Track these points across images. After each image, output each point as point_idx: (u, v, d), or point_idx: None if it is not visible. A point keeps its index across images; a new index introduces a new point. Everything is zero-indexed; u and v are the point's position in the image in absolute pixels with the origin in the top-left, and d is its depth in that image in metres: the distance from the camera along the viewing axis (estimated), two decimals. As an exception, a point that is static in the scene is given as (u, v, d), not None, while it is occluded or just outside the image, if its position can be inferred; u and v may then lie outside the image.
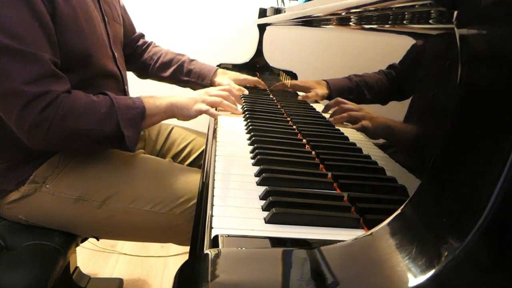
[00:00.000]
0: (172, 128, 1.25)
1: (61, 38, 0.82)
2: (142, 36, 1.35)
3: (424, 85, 0.54)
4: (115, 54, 1.03)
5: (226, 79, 1.30)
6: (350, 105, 0.84)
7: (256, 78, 1.36)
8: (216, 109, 1.03)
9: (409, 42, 0.61)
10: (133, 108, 0.89)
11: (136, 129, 0.89)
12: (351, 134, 0.77)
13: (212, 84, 1.31)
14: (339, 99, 0.91)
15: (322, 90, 0.88)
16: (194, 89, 1.34)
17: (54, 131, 0.80)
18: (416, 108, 0.55)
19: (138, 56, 1.32)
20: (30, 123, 0.78)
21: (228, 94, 1.01)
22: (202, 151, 1.20)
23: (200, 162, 1.18)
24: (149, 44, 1.35)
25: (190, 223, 0.87)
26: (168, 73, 1.32)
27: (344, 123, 0.82)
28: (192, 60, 1.33)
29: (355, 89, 0.72)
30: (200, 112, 0.96)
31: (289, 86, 1.21)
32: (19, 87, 0.76)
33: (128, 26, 1.27)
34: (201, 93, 0.99)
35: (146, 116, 0.91)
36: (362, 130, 0.74)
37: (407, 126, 0.57)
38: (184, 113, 0.96)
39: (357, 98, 0.72)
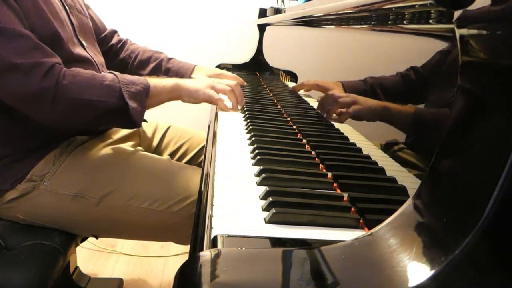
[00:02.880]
0: (169, 127, 1.25)
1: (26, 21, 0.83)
2: (115, 32, 1.34)
3: (428, 84, 0.54)
4: (83, 42, 1.03)
5: (202, 75, 1.30)
6: (339, 94, 0.85)
7: (233, 74, 1.36)
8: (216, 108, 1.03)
9: (409, 42, 0.61)
10: (137, 84, 0.90)
11: (140, 104, 0.90)
12: (351, 134, 0.77)
13: None
14: (328, 93, 0.92)
15: (339, 90, 0.88)
16: None
17: (59, 100, 0.81)
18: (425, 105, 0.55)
19: (114, 54, 1.31)
20: (33, 93, 0.80)
21: (236, 87, 1.04)
22: (199, 150, 1.20)
23: (197, 161, 1.18)
24: (125, 42, 1.34)
25: (188, 221, 0.87)
26: (146, 71, 1.32)
27: (340, 114, 0.82)
28: (170, 59, 1.34)
29: (370, 90, 0.72)
30: (209, 97, 0.98)
31: (307, 86, 1.20)
32: (11, 61, 0.78)
33: (97, 23, 1.26)
34: (210, 81, 1.02)
35: (150, 94, 0.92)
36: (358, 114, 0.74)
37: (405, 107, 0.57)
38: (191, 95, 0.98)
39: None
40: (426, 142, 0.51)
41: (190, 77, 1.31)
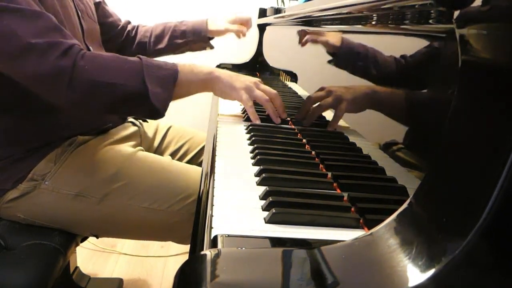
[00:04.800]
0: (170, 127, 1.26)
1: None
2: (129, 22, 1.40)
3: (425, 84, 0.54)
4: (90, 47, 1.03)
5: (222, 22, 1.40)
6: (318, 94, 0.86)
7: (247, 17, 1.48)
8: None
9: (409, 42, 0.61)
10: (164, 69, 0.85)
11: (165, 90, 0.83)
12: (351, 134, 0.77)
13: (210, 34, 1.40)
14: (306, 99, 0.93)
15: (336, 41, 0.89)
16: (193, 49, 1.42)
17: (76, 82, 0.78)
18: (417, 105, 0.55)
19: (132, 40, 1.37)
20: (50, 73, 0.77)
21: (276, 96, 0.92)
22: (200, 149, 1.21)
23: (197, 161, 1.18)
24: (138, 26, 1.41)
25: (189, 220, 0.87)
26: (164, 42, 1.36)
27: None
28: (181, 22, 1.38)
29: (363, 54, 0.72)
30: (241, 101, 0.90)
31: (307, 33, 1.18)
32: (28, 41, 0.76)
33: (114, 17, 1.32)
34: (251, 82, 0.92)
35: (179, 81, 0.85)
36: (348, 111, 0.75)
37: (394, 93, 0.57)
38: (226, 90, 0.91)
39: (361, 67, 0.74)
40: (417, 130, 0.51)
41: (207, 31, 1.38)
